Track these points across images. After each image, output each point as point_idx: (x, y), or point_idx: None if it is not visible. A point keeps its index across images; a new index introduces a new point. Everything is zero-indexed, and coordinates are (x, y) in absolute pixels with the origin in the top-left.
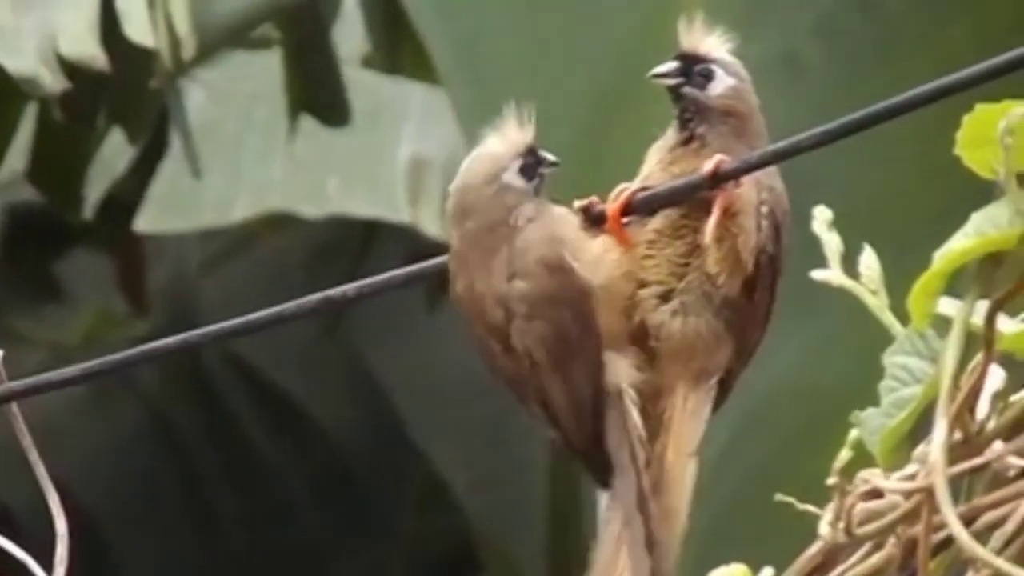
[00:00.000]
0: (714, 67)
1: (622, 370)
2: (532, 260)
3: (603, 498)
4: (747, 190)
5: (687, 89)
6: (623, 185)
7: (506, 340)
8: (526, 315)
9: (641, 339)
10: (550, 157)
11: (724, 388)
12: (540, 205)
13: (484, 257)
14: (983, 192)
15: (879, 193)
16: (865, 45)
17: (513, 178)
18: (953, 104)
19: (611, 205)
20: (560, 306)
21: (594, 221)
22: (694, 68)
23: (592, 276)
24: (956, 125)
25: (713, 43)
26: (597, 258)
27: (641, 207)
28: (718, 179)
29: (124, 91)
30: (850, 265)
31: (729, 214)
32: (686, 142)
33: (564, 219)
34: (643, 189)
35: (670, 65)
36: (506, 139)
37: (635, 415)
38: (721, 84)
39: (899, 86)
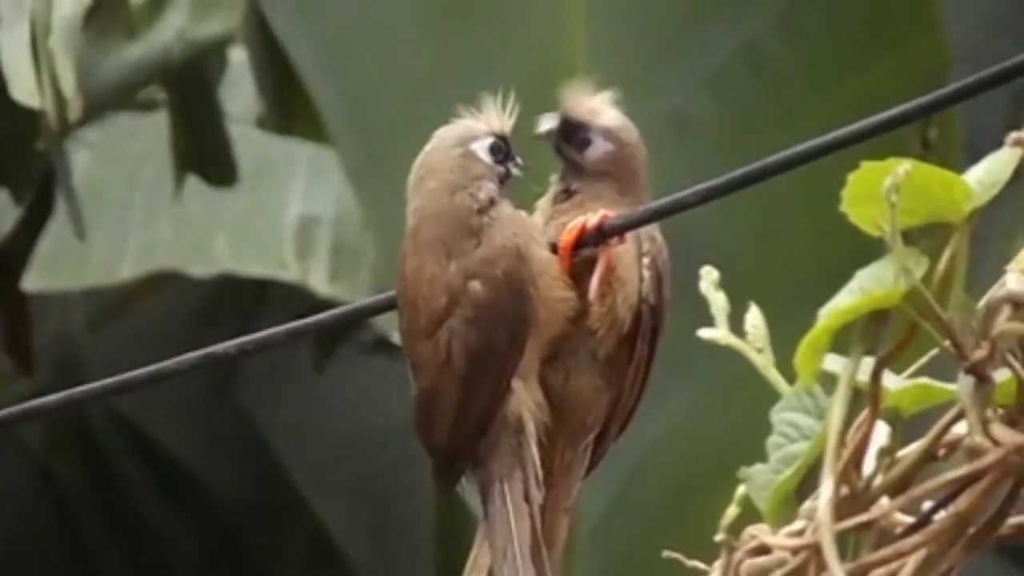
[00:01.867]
0: (592, 135)
1: (527, 402)
2: (499, 271)
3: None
4: (629, 245)
5: (565, 150)
6: (579, 219)
7: (435, 328)
8: (468, 318)
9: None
10: (519, 160)
11: (600, 444)
12: (505, 202)
13: (445, 241)
14: (868, 251)
15: (764, 253)
16: (753, 103)
17: (481, 150)
18: (838, 162)
19: (565, 237)
20: (502, 324)
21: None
22: (575, 133)
23: (540, 307)
24: (841, 183)
25: (596, 107)
26: (548, 290)
27: (591, 241)
28: (602, 234)
29: (9, 152)
30: (736, 323)
31: (611, 269)
32: (567, 196)
33: (532, 231)
34: (599, 225)
35: (551, 123)
36: (482, 118)
37: (535, 452)
38: (598, 150)
39: (787, 144)
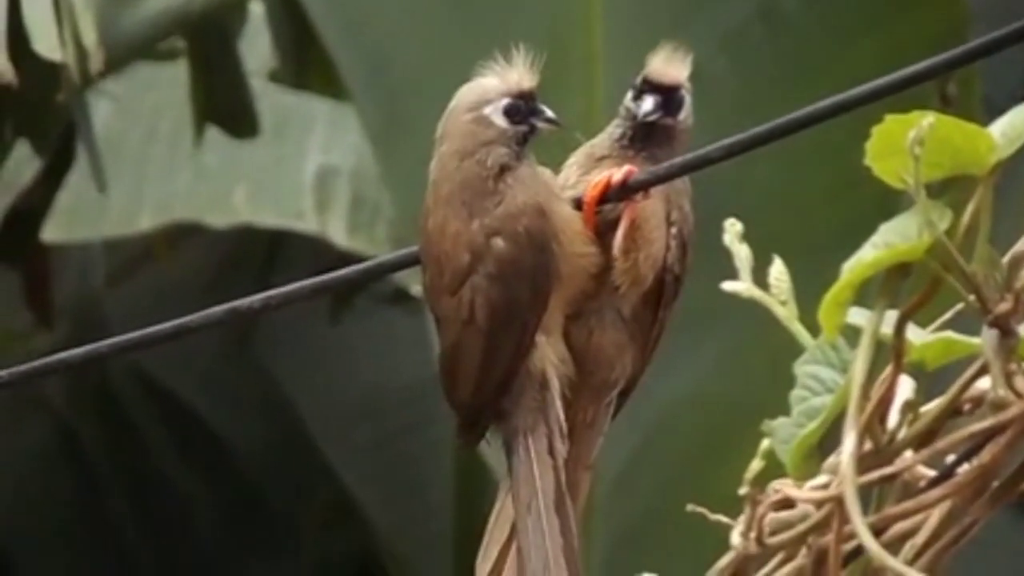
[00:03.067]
0: (684, 95)
1: (550, 357)
2: (521, 227)
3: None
4: (655, 204)
5: (664, 120)
6: (604, 174)
7: (458, 285)
8: (491, 275)
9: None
10: (549, 113)
11: (620, 399)
12: (525, 162)
13: (465, 200)
14: (890, 205)
15: (787, 207)
16: (770, 61)
17: (495, 114)
18: (859, 118)
19: (589, 192)
20: (525, 280)
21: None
22: (672, 99)
23: (562, 263)
24: (862, 138)
25: (683, 70)
26: (570, 245)
27: (615, 197)
28: (627, 190)
29: (31, 105)
30: (759, 277)
31: (636, 226)
32: (630, 157)
33: (553, 188)
34: (624, 180)
35: (654, 102)
36: (502, 77)
37: (559, 406)
38: (686, 107)
39: (803, 102)
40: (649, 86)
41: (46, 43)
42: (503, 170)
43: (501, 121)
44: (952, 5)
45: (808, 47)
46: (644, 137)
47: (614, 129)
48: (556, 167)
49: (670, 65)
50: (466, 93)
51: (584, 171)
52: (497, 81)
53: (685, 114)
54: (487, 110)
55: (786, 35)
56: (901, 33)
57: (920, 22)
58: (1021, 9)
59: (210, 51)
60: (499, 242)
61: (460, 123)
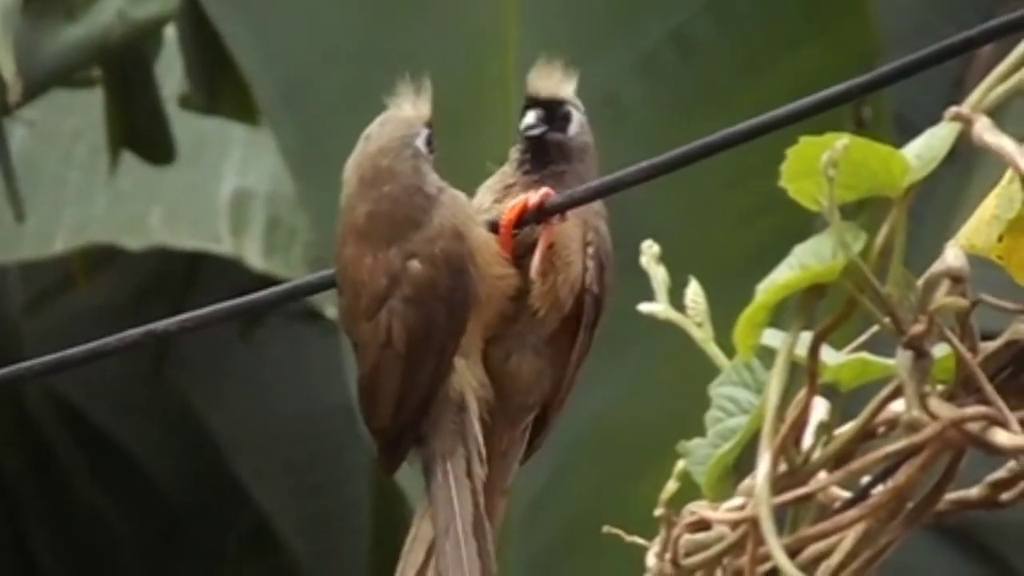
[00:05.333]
0: (570, 108)
1: (469, 380)
2: (437, 249)
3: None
4: (572, 227)
5: (552, 135)
6: (520, 197)
7: (376, 309)
8: (408, 298)
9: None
10: (433, 141)
11: (540, 429)
12: (443, 184)
13: (389, 224)
14: (804, 228)
15: (700, 230)
16: (683, 86)
17: (422, 144)
18: (772, 142)
19: (506, 215)
20: (442, 303)
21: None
22: (556, 113)
23: (480, 285)
24: (776, 162)
25: (565, 84)
26: (487, 268)
27: (532, 219)
28: (543, 212)
29: None
30: (673, 299)
31: (553, 249)
32: (536, 181)
33: (468, 211)
34: (540, 202)
35: (535, 116)
36: (415, 106)
37: (477, 429)
38: (576, 123)
39: (717, 126)
40: (530, 101)
41: None
42: (439, 192)
43: (425, 150)
44: (863, 31)
45: (720, 72)
46: (537, 156)
47: (514, 155)
48: (470, 190)
49: (548, 79)
50: (391, 129)
51: (496, 198)
52: (413, 111)
53: (577, 130)
54: (418, 143)
55: (699, 60)
56: (813, 59)
57: (831, 48)
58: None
59: (126, 77)
60: (415, 265)
61: (402, 160)
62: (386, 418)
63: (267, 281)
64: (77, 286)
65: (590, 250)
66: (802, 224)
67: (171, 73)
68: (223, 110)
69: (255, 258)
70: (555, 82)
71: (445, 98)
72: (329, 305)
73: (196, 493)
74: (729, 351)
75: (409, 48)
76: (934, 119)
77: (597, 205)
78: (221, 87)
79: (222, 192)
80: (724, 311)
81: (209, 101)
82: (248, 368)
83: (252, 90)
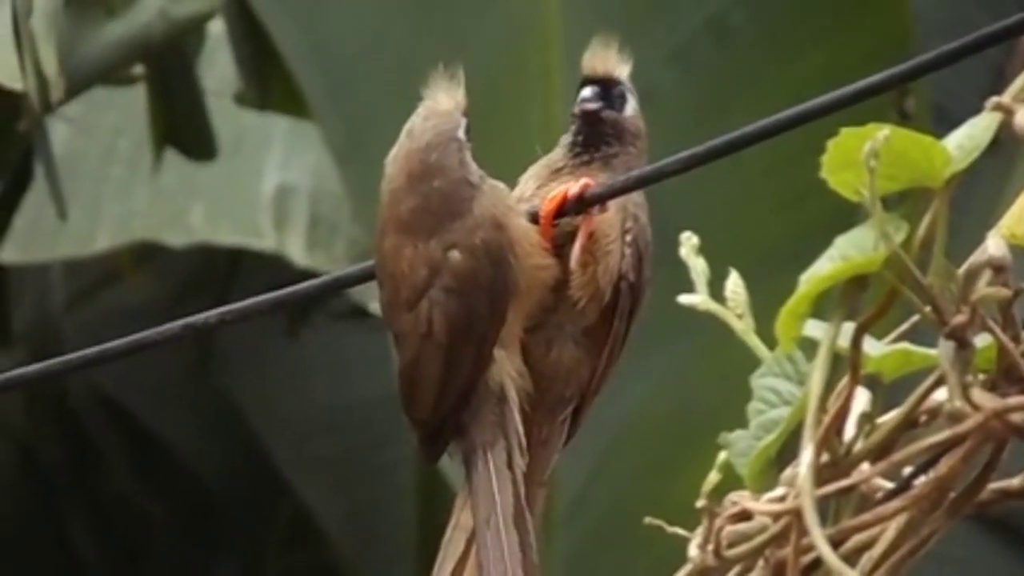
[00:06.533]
0: (626, 90)
1: (508, 371)
2: (478, 240)
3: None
4: (612, 216)
5: (607, 112)
6: (560, 187)
7: (416, 299)
8: (448, 288)
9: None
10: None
11: (576, 416)
12: (482, 173)
13: (430, 215)
14: (842, 218)
15: (738, 219)
16: (721, 74)
17: (463, 136)
18: (810, 131)
19: (546, 206)
20: (483, 293)
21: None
22: (612, 91)
23: (520, 275)
24: (814, 151)
25: (622, 65)
26: (527, 258)
27: (572, 210)
28: (583, 203)
29: None
30: (713, 291)
31: (593, 239)
32: (586, 163)
33: (509, 201)
34: (580, 193)
35: (591, 91)
36: (451, 97)
37: (518, 420)
38: (631, 105)
39: (754, 114)
40: (586, 80)
41: (7, 72)
42: (475, 187)
43: (466, 139)
44: (897, 18)
45: (755, 61)
46: (592, 135)
47: (566, 138)
48: (513, 180)
49: (603, 59)
50: (436, 118)
51: (541, 183)
52: (451, 102)
53: (632, 113)
54: (460, 132)
55: (733, 49)
56: (847, 46)
57: (866, 36)
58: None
59: (168, 74)
60: (456, 255)
61: (449, 154)
62: (427, 409)
63: (310, 277)
64: (119, 282)
65: (628, 238)
66: (840, 213)
67: (213, 69)
68: (274, 105)
69: (297, 253)
70: (612, 61)
71: (488, 90)
72: (373, 301)
73: (237, 486)
74: (768, 341)
75: (453, 41)
76: (973, 110)
77: (638, 195)
78: (271, 82)
79: (264, 187)
80: (762, 301)
81: (260, 96)
82: (290, 362)
83: (298, 84)
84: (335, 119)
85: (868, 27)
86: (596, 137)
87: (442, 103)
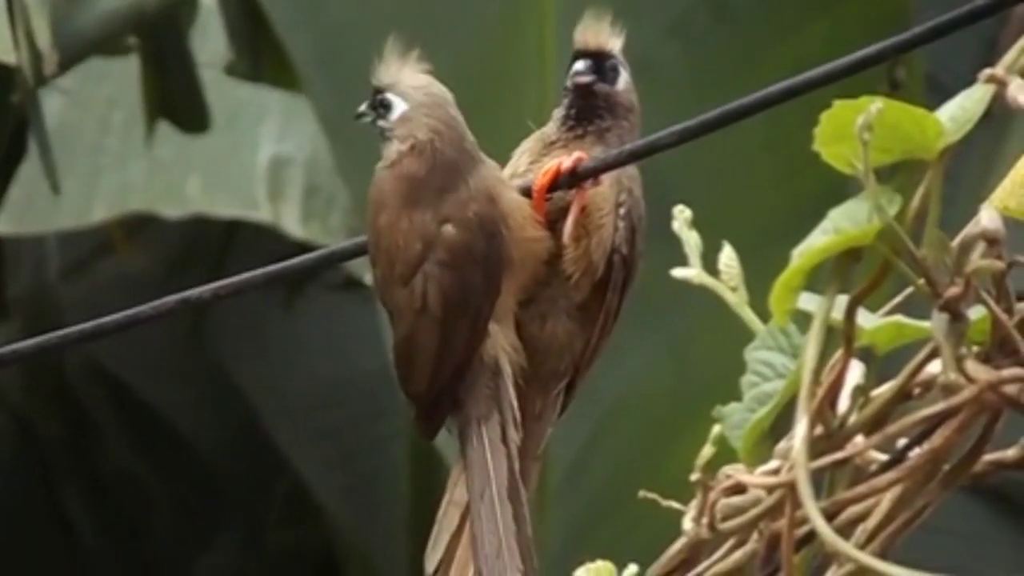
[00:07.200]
0: (618, 63)
1: (503, 344)
2: (471, 213)
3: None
4: (605, 189)
5: (600, 86)
6: (552, 161)
7: (410, 274)
8: (443, 262)
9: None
10: None
11: (569, 390)
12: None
13: (425, 189)
14: (837, 191)
15: (733, 193)
16: (718, 47)
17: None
18: (805, 103)
19: (539, 180)
20: (476, 266)
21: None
22: (605, 64)
23: (513, 248)
24: (809, 124)
25: (614, 38)
26: (520, 230)
27: (565, 184)
28: (576, 177)
29: None
30: (706, 264)
31: (586, 213)
32: (579, 137)
33: (499, 176)
34: (573, 167)
35: (584, 64)
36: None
37: (512, 394)
38: (624, 79)
39: (750, 87)
40: (578, 53)
41: None
42: (476, 160)
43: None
44: None
45: (753, 32)
46: (585, 109)
47: (559, 111)
48: (506, 156)
49: (595, 32)
50: (438, 91)
51: (534, 158)
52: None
53: (624, 86)
54: (453, 109)
55: (731, 21)
56: (845, 19)
57: (863, 8)
58: None
59: (161, 46)
60: (449, 228)
61: (446, 118)
62: (423, 383)
63: (305, 249)
64: (115, 253)
65: (621, 211)
66: (836, 186)
67: (207, 41)
68: (266, 77)
69: (293, 225)
70: (604, 35)
71: (483, 65)
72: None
73: (234, 460)
74: (763, 315)
75: (445, 13)
76: (966, 81)
77: (632, 169)
78: (263, 53)
79: (259, 159)
80: (757, 274)
81: (253, 68)
82: (286, 335)
83: (289, 55)
84: (325, 90)
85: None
86: (589, 111)
87: (432, 79)
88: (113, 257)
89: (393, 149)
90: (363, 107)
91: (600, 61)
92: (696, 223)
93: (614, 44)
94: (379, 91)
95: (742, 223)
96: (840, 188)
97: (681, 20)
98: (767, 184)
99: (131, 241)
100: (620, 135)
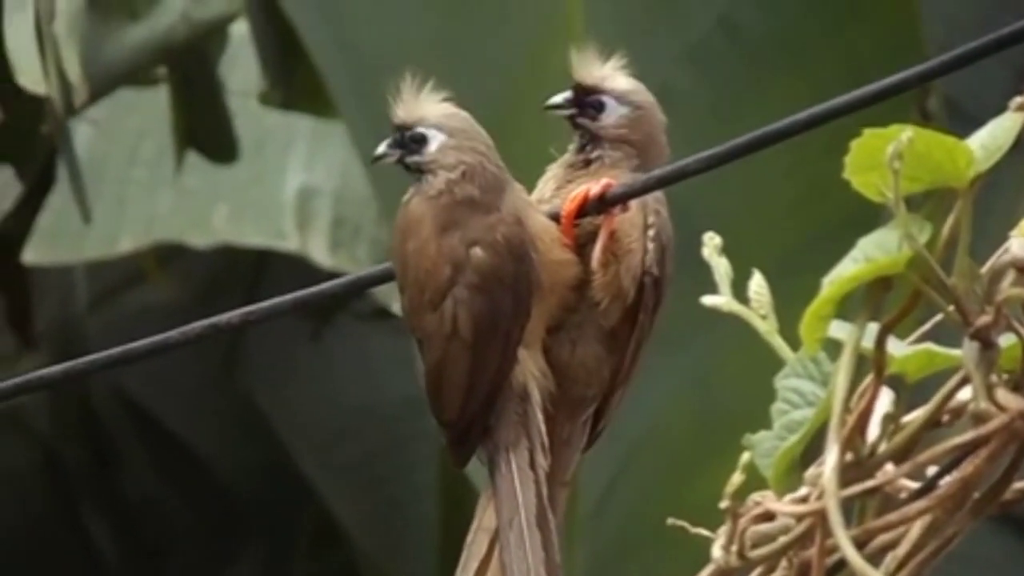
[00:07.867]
0: (605, 98)
1: (531, 370)
2: (499, 236)
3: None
4: (634, 214)
5: (580, 120)
6: (581, 187)
7: (440, 299)
8: (472, 285)
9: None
10: None
11: (599, 419)
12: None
13: (457, 215)
14: (860, 217)
15: (755, 219)
16: (735, 73)
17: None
18: (823, 132)
19: (567, 205)
20: (506, 289)
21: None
22: (586, 99)
23: (542, 271)
24: (832, 150)
25: (605, 73)
26: (548, 253)
27: (593, 210)
28: (605, 203)
29: (15, 135)
30: (734, 292)
31: (614, 239)
32: (585, 165)
33: (527, 199)
34: (602, 193)
35: (563, 96)
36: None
37: (540, 420)
38: (613, 114)
39: (769, 113)
40: (571, 84)
41: (30, 76)
42: (509, 183)
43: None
44: (909, 17)
45: (768, 58)
46: (586, 141)
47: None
48: (532, 180)
49: (587, 67)
50: (466, 116)
51: (559, 184)
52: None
53: (612, 120)
54: (484, 133)
55: (745, 47)
56: (860, 44)
57: (878, 34)
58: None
59: (191, 77)
60: (478, 251)
61: (485, 140)
62: (455, 410)
63: (335, 278)
64: (143, 284)
65: (651, 232)
66: (858, 214)
67: (236, 70)
68: (298, 105)
69: (320, 254)
70: (592, 69)
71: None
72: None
73: (259, 488)
74: (791, 342)
75: (477, 39)
76: (991, 109)
77: (658, 193)
78: (295, 81)
79: (287, 188)
80: (781, 301)
81: (286, 96)
82: (314, 364)
83: (326, 83)
84: (362, 118)
85: (880, 24)
86: (589, 142)
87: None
88: (141, 287)
89: (440, 179)
90: (383, 147)
91: (582, 95)
92: (721, 250)
93: (604, 78)
94: (406, 127)
95: (762, 250)
96: (862, 215)
97: (696, 47)
98: (788, 211)
99: (161, 272)
100: (640, 162)
